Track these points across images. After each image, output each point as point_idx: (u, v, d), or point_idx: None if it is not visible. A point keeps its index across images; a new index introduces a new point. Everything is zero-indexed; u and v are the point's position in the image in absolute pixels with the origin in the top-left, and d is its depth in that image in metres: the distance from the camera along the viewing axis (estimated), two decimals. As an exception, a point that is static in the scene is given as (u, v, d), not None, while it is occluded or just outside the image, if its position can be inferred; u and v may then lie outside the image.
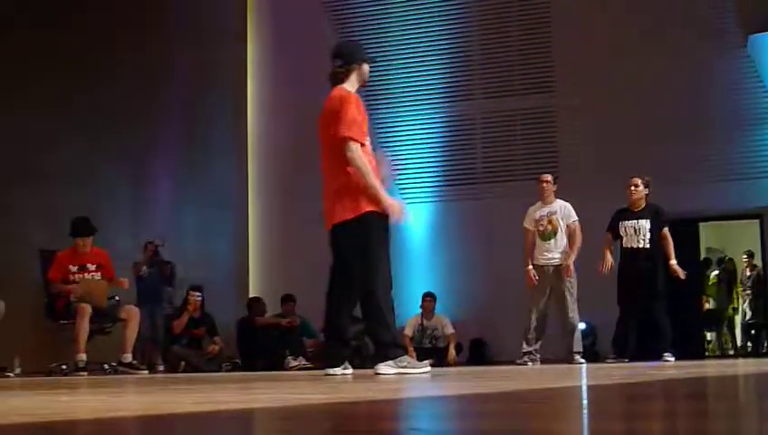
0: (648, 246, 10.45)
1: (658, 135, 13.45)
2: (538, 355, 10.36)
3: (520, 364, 10.11)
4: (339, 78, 6.73)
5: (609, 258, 10.52)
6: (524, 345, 10.36)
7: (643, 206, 10.55)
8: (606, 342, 11.85)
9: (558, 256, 10.37)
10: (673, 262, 10.42)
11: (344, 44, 7.09)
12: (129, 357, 10.21)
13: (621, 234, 10.54)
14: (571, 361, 10.14)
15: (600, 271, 10.43)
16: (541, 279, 10.39)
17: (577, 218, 10.40)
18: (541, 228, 10.45)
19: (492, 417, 2.49)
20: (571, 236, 10.39)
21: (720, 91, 13.49)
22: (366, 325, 6.81)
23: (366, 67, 6.81)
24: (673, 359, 10.08)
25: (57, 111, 12.91)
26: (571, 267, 10.27)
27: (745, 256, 16.23)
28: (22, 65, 12.57)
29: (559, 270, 10.33)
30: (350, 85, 6.72)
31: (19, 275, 11.28)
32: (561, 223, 10.41)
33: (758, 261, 15.36)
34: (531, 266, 10.37)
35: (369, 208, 6.41)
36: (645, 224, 10.48)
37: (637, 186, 10.53)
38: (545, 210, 10.50)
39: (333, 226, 6.55)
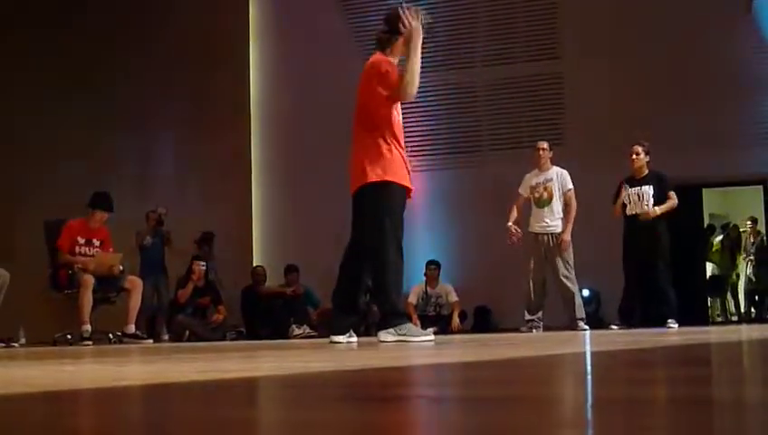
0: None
1: (664, 101, 13.42)
2: (541, 323, 10.40)
3: (524, 332, 10.16)
4: (381, 44, 6.68)
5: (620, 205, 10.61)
6: (526, 314, 10.42)
7: (646, 172, 10.60)
8: (609, 308, 11.89)
9: (554, 223, 10.40)
10: (656, 208, 10.44)
11: (396, 10, 7.05)
12: (132, 328, 10.26)
13: (625, 201, 10.56)
14: (574, 327, 10.17)
15: (615, 212, 10.56)
16: (537, 247, 10.43)
17: (572, 187, 10.43)
18: (536, 195, 10.48)
19: (495, 384, 2.49)
20: (566, 206, 10.42)
21: (725, 57, 13.44)
22: (374, 292, 6.81)
23: None
24: (677, 326, 10.10)
25: (61, 84, 12.91)
26: (568, 240, 10.30)
27: (749, 223, 16.25)
28: (33, 40, 12.56)
29: (555, 238, 10.36)
30: (392, 53, 6.66)
31: (23, 246, 11.30)
32: (557, 190, 10.43)
33: (762, 227, 15.37)
34: (511, 223, 10.41)
35: (390, 178, 6.46)
36: (648, 190, 10.50)
37: (638, 154, 10.58)
38: (541, 177, 10.53)
39: (356, 189, 6.56)
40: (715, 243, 16.75)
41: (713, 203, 16.19)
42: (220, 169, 15.04)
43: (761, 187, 14.14)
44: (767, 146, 13.30)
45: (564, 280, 10.30)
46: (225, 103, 15.41)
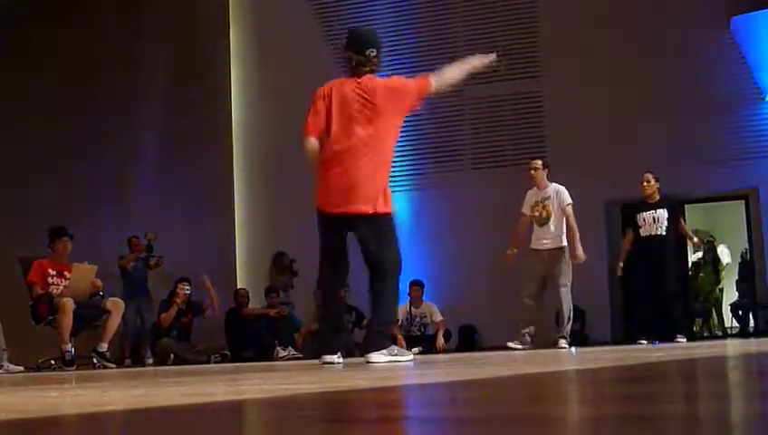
0: (664, 233, 10.91)
1: (644, 118, 13.48)
2: (530, 339, 10.30)
3: (512, 348, 10.00)
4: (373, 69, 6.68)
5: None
6: (526, 328, 10.30)
7: (658, 198, 11.00)
8: (594, 326, 11.89)
9: (553, 240, 10.38)
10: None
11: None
12: (104, 347, 10.24)
13: (639, 223, 10.96)
14: (555, 344, 10.15)
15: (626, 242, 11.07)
16: (536, 264, 10.37)
17: (571, 202, 10.40)
18: (537, 214, 10.48)
19: (481, 403, 2.47)
20: (567, 222, 10.35)
21: (704, 74, 13.52)
22: (380, 305, 6.61)
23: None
24: (685, 340, 10.29)
25: (42, 107, 12.87)
26: (581, 254, 10.24)
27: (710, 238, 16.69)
28: (12, 63, 12.55)
29: (552, 255, 10.33)
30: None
31: (4, 272, 11.22)
32: (555, 208, 10.42)
33: (744, 242, 15.41)
34: (510, 251, 10.41)
35: (391, 209, 6.53)
36: (663, 213, 10.93)
37: (648, 181, 10.98)
38: (540, 196, 10.52)
39: (364, 213, 6.44)
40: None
41: (696, 219, 16.24)
42: (203, 190, 15.00)
43: (743, 202, 14.20)
44: (748, 160, 13.38)
45: (564, 292, 10.26)
46: (207, 124, 15.37)
